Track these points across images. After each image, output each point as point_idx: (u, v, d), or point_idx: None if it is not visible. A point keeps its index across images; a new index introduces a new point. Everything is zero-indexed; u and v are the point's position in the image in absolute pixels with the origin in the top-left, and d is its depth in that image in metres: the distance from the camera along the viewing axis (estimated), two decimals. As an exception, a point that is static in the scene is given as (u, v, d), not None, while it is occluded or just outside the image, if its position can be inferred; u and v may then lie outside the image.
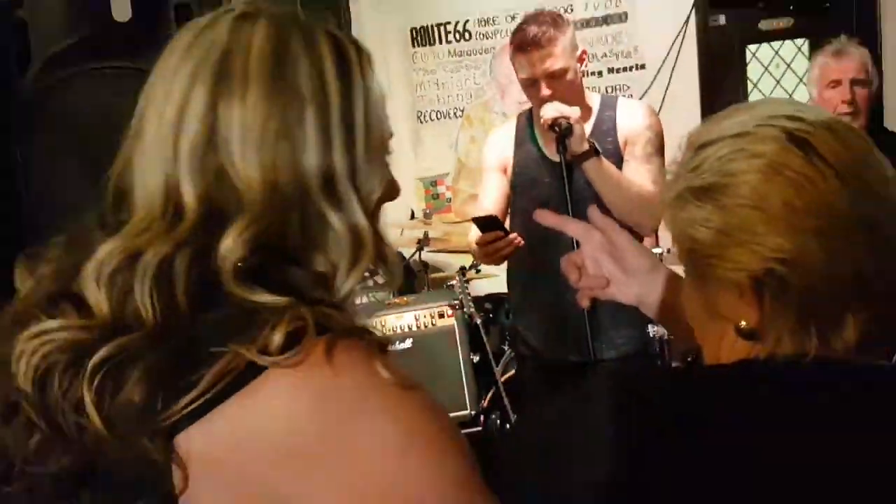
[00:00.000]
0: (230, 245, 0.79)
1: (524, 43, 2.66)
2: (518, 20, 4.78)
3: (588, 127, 2.65)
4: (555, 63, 2.61)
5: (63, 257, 0.89)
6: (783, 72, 5.10)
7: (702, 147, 0.87)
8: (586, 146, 2.57)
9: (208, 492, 0.78)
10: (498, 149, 2.97)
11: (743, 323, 0.83)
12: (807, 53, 5.04)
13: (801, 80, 5.06)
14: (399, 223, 4.63)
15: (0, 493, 0.85)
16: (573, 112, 2.56)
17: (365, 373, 0.78)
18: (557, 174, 2.71)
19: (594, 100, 2.84)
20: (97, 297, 0.79)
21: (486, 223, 2.61)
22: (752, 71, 5.08)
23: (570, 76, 2.65)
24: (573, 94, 2.67)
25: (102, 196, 0.95)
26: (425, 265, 4.58)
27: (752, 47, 5.07)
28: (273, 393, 0.75)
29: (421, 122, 5.00)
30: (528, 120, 2.92)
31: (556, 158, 2.71)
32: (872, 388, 0.82)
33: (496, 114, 4.96)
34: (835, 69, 3.17)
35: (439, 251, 4.45)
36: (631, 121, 2.76)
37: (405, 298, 4.05)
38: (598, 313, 2.66)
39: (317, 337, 0.76)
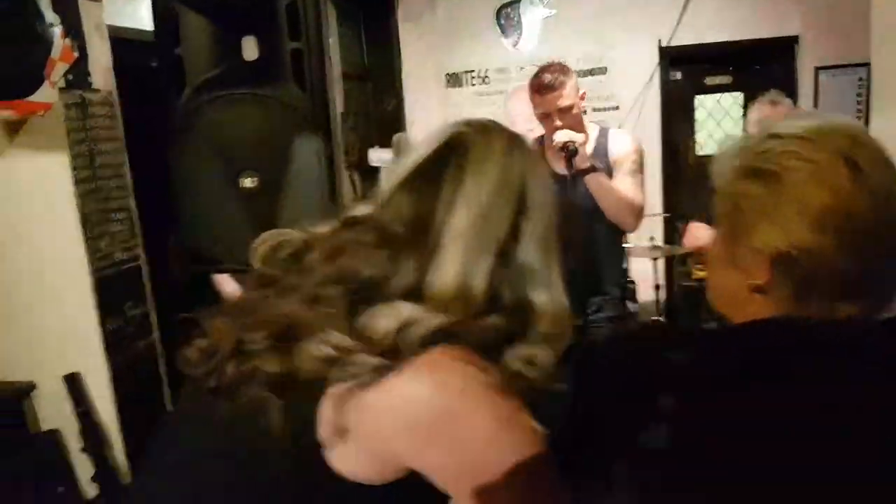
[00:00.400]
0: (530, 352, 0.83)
1: (541, 87, 2.71)
2: (525, 71, 4.88)
3: (588, 149, 2.69)
4: (564, 101, 2.66)
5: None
6: (722, 116, 5.12)
7: (772, 137, 0.83)
8: (588, 163, 2.64)
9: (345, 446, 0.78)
10: None
11: (756, 281, 0.81)
12: (741, 103, 5.07)
13: (735, 122, 5.10)
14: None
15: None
16: (579, 137, 2.63)
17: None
18: (563, 186, 2.78)
19: (592, 129, 2.87)
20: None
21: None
22: (699, 114, 5.11)
23: (574, 110, 2.71)
24: (577, 123, 2.72)
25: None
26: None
27: (699, 97, 5.09)
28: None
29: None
30: (539, 144, 2.97)
31: (563, 173, 2.78)
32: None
33: (506, 140, 4.99)
34: (771, 116, 3.18)
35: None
36: (620, 146, 2.83)
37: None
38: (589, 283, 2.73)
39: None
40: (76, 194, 2.17)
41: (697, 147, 5.14)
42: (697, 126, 5.12)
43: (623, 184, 2.76)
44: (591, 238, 2.83)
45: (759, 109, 3.26)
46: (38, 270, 2.21)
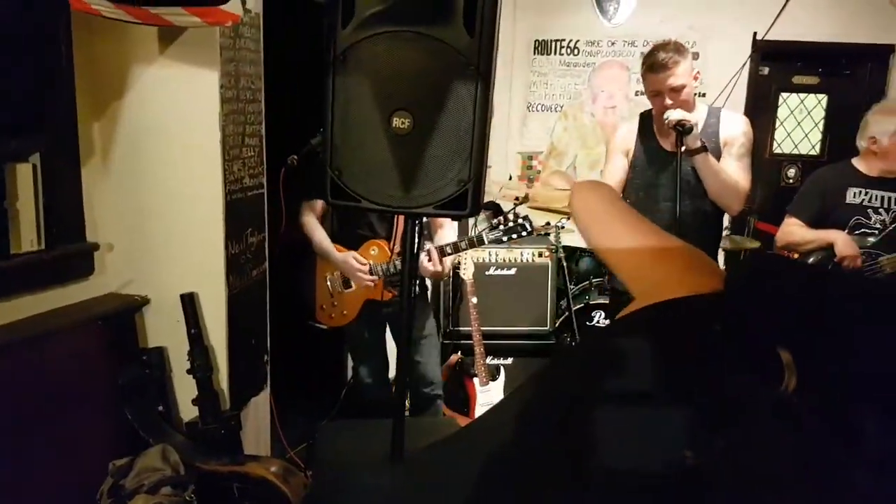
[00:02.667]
0: None
1: (655, 65, 2.64)
2: (616, 47, 4.73)
3: (697, 129, 2.61)
4: (676, 80, 2.60)
5: None
6: (804, 117, 4.96)
7: None
8: (699, 143, 2.58)
9: None
10: (624, 138, 2.97)
11: None
12: (824, 105, 4.90)
13: (815, 125, 4.94)
14: (500, 183, 4.57)
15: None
16: (692, 118, 2.56)
17: None
18: (668, 161, 2.74)
19: (701, 108, 2.79)
20: None
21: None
22: (782, 112, 4.95)
23: (686, 90, 2.63)
24: (687, 103, 2.65)
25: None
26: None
27: (784, 94, 4.93)
28: None
29: (529, 111, 4.88)
30: (647, 120, 2.90)
31: (669, 149, 2.73)
32: None
33: (586, 114, 4.85)
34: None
35: (534, 208, 4.35)
36: (731, 128, 2.77)
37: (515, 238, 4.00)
38: None
39: None
40: (221, 114, 2.06)
41: (775, 145, 4.99)
42: (777, 123, 4.97)
43: (730, 166, 2.70)
44: (692, 217, 2.74)
45: (870, 119, 3.14)
46: (172, 185, 2.11)
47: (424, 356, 3.15)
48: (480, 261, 3.72)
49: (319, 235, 3.02)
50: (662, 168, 2.78)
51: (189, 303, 2.14)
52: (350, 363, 3.71)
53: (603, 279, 4.31)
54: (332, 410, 3.48)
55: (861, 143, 3.14)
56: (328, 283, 3.09)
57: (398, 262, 2.96)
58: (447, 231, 3.07)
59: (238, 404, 2.29)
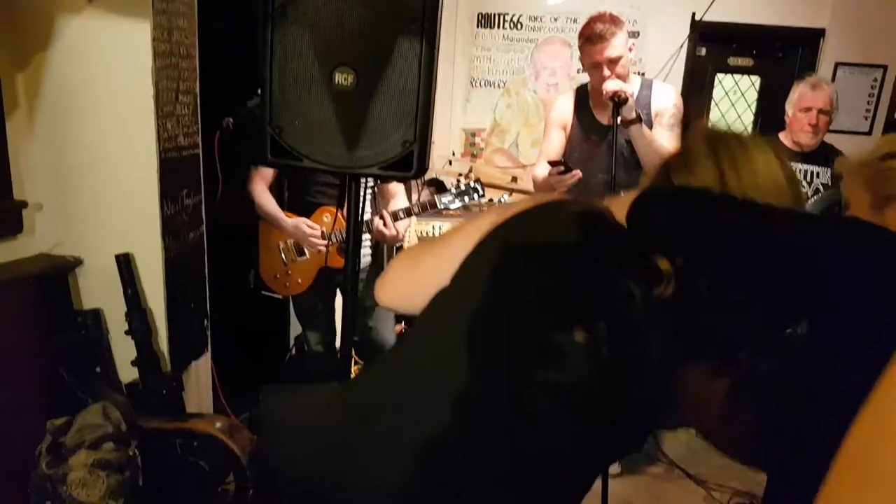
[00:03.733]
0: None
1: (592, 36, 2.70)
2: (558, 23, 4.79)
3: (632, 100, 2.68)
4: (614, 52, 2.67)
5: None
6: (738, 98, 5.13)
7: None
8: (633, 114, 2.65)
9: None
10: (561, 112, 3.02)
11: None
12: (758, 87, 5.08)
13: (748, 106, 5.12)
14: (444, 157, 4.61)
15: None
16: (629, 88, 2.63)
17: None
18: (604, 134, 2.80)
19: (635, 81, 2.86)
20: None
21: (558, 164, 2.65)
22: (717, 93, 5.11)
23: (623, 61, 2.70)
24: (624, 75, 2.72)
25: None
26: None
27: (720, 75, 5.09)
28: None
29: (472, 87, 4.91)
30: (583, 93, 2.96)
31: (605, 122, 2.79)
32: None
33: (529, 90, 4.90)
34: (809, 98, 3.19)
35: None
36: (662, 99, 2.86)
37: (458, 210, 4.05)
38: None
39: None
40: (153, 69, 2.02)
41: (710, 125, 5.13)
42: (712, 104, 5.13)
43: (662, 136, 2.78)
44: (627, 188, 2.83)
45: (800, 91, 3.26)
46: (103, 142, 2.06)
47: (379, 322, 3.17)
48: (423, 234, 3.75)
49: (268, 203, 3.00)
50: (599, 141, 2.86)
51: (125, 264, 2.10)
52: (293, 331, 3.70)
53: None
54: (276, 377, 3.48)
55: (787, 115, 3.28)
56: (281, 252, 3.08)
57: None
58: (400, 198, 3.09)
59: (179, 367, 2.27)
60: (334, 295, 3.24)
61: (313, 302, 3.12)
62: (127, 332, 2.11)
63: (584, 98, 2.96)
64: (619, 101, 2.57)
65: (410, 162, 2.00)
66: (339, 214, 2.96)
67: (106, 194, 2.10)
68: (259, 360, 3.53)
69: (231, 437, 1.89)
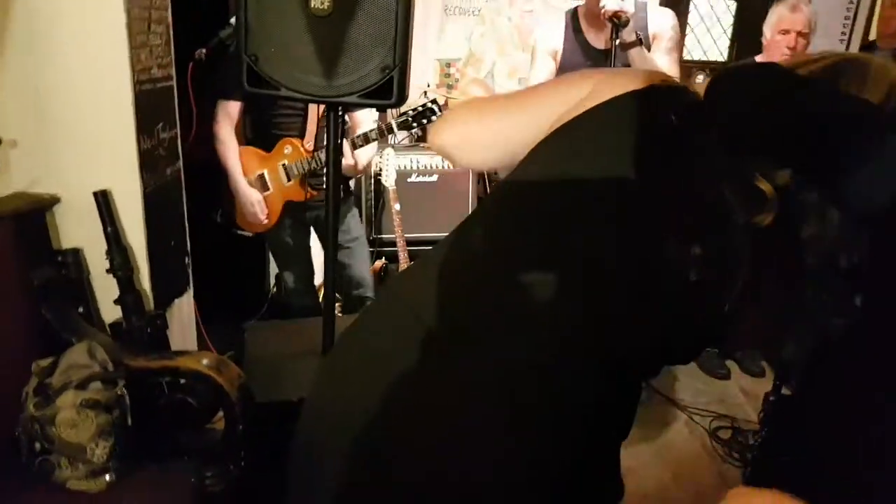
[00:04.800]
0: None
1: None
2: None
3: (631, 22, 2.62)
4: None
5: None
6: (713, 23, 5.08)
7: None
8: (634, 36, 2.56)
9: None
10: (550, 38, 2.92)
11: None
12: (733, 11, 5.03)
13: (724, 31, 5.07)
14: (421, 87, 4.54)
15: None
16: (629, 8, 2.54)
17: None
18: (599, 59, 2.71)
19: (629, 1, 2.77)
20: None
21: None
22: (692, 18, 5.05)
23: None
24: None
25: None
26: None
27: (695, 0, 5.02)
28: None
29: (446, 15, 4.80)
30: (575, 16, 2.87)
31: (602, 46, 2.71)
32: None
33: (503, 17, 4.81)
34: (787, 20, 3.14)
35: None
36: (659, 22, 2.78)
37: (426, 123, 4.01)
38: None
39: None
40: (125, -6, 1.94)
41: (685, 51, 5.10)
42: (688, 29, 5.07)
43: (661, 61, 2.72)
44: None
45: (778, 13, 3.22)
46: (76, 75, 1.98)
47: (354, 258, 3.17)
48: (402, 168, 3.71)
49: (230, 154, 2.94)
50: (593, 66, 2.77)
51: (103, 200, 2.06)
52: (272, 269, 3.69)
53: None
54: (258, 315, 3.48)
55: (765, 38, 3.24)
56: (247, 187, 3.03)
57: (311, 160, 2.92)
58: (365, 128, 3.04)
59: (162, 305, 2.25)
60: (306, 231, 3.23)
61: (284, 238, 3.11)
62: (108, 271, 2.08)
63: (575, 22, 2.87)
64: (619, 22, 2.49)
65: (390, 89, 1.97)
66: (300, 145, 2.91)
67: (81, 130, 2.03)
68: (241, 299, 3.53)
69: (219, 373, 1.89)
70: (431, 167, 3.84)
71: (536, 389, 0.87)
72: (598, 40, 2.77)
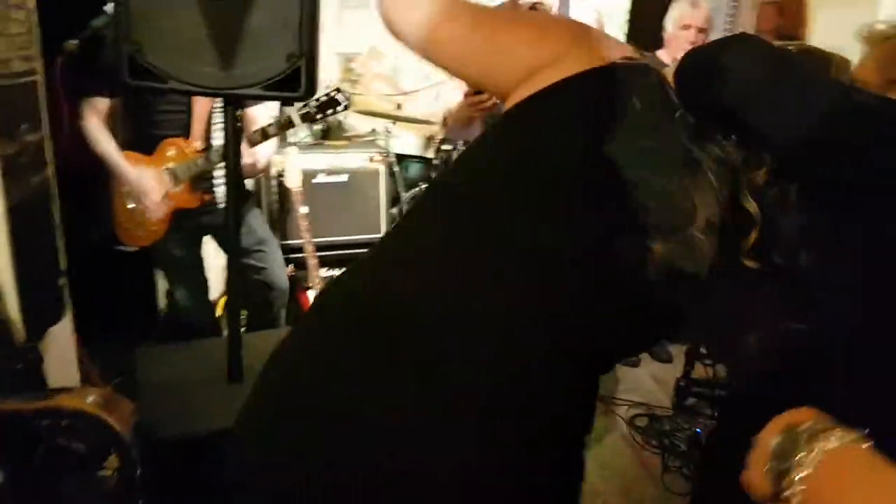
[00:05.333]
0: None
1: None
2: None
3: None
4: None
5: None
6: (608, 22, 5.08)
7: None
8: None
9: None
10: None
11: None
12: (629, 7, 5.05)
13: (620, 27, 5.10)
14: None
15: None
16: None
17: None
18: None
19: None
20: None
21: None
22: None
23: None
24: None
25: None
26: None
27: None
28: None
29: (343, 7, 4.58)
30: None
31: None
32: None
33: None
34: (689, 16, 3.20)
35: (360, 112, 4.11)
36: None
37: (341, 142, 3.79)
38: None
39: None
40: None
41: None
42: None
43: None
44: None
45: (680, 8, 3.24)
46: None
47: (266, 261, 2.91)
48: (308, 168, 3.46)
49: (105, 145, 2.62)
50: None
51: (-46, 217, 1.74)
52: (162, 285, 3.37)
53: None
54: (149, 338, 3.15)
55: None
56: (125, 196, 2.72)
57: (200, 161, 2.65)
58: (258, 119, 2.78)
59: (34, 335, 1.93)
60: (198, 240, 2.94)
61: (172, 251, 2.81)
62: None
63: None
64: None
65: (298, 79, 1.75)
66: (186, 146, 2.64)
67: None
68: (127, 321, 3.18)
69: (108, 410, 1.62)
70: (340, 166, 3.61)
71: (492, 388, 0.88)
72: None
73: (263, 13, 1.69)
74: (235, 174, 1.94)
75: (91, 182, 2.66)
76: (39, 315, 1.97)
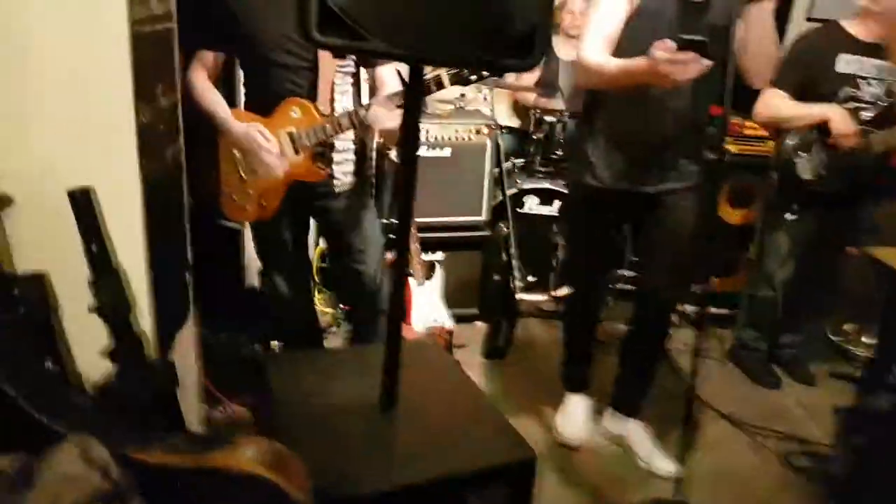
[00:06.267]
0: None
1: None
2: None
3: None
4: None
5: None
6: None
7: None
8: None
9: None
10: None
11: None
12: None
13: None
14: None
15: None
16: None
17: None
18: (687, 12, 2.13)
19: None
20: None
21: (692, 45, 1.83)
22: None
23: None
24: None
25: None
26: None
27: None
28: None
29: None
30: None
31: None
32: None
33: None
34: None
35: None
36: None
37: (446, 111, 3.36)
38: (672, 146, 2.25)
39: None
40: None
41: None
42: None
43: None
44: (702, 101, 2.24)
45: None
46: (37, 10, 1.25)
47: (369, 265, 2.52)
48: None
49: (211, 99, 2.23)
50: (677, 19, 2.16)
51: (84, 203, 1.34)
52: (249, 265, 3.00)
53: (529, 159, 3.82)
54: (255, 336, 2.77)
55: (861, 1, 2.79)
56: (236, 163, 2.32)
57: (328, 126, 2.25)
58: (392, 86, 2.35)
59: (165, 347, 1.57)
60: (306, 220, 2.55)
61: (281, 232, 2.42)
62: (93, 310, 1.38)
63: None
64: None
65: (531, 41, 1.34)
66: (313, 108, 2.23)
67: (45, 94, 1.30)
68: (214, 307, 2.80)
69: (283, 475, 1.25)
70: (444, 139, 3.21)
71: None
72: None
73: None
74: (413, 150, 1.55)
75: (193, 143, 2.26)
76: (170, 322, 1.60)
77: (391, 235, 2.94)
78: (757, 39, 2.10)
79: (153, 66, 1.44)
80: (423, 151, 3.18)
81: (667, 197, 2.32)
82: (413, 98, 1.48)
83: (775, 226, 3.11)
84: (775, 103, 2.84)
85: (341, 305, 3.34)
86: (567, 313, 2.88)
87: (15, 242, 1.37)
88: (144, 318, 1.48)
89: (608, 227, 2.53)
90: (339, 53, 2.14)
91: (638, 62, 1.97)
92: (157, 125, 1.46)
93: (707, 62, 1.87)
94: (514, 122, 4.17)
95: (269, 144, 2.19)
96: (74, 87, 1.30)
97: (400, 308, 1.69)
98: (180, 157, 1.62)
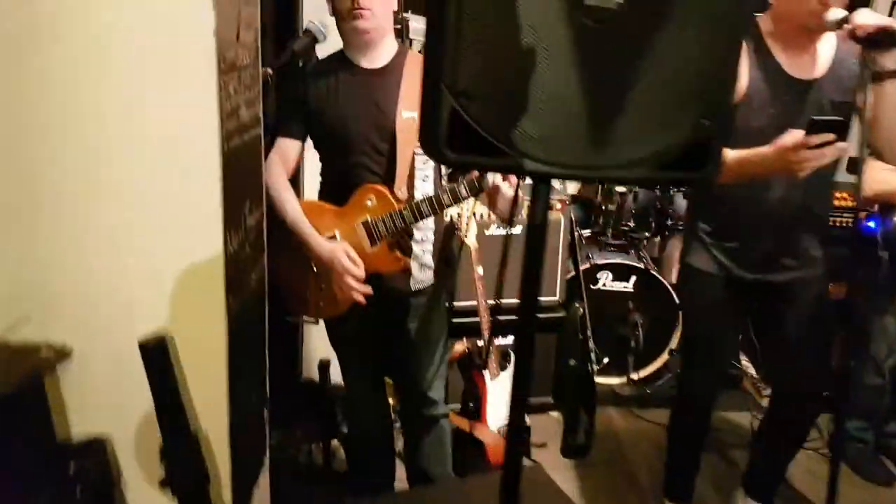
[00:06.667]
0: None
1: None
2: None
3: None
4: None
5: None
6: None
7: None
8: None
9: None
10: None
11: None
12: None
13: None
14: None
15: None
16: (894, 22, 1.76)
17: None
18: (795, 91, 1.93)
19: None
20: None
21: (828, 126, 1.65)
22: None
23: None
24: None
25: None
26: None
27: None
28: None
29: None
30: (755, 34, 2.03)
31: (798, 75, 1.91)
32: None
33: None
34: None
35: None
36: None
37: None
38: (794, 234, 2.07)
39: None
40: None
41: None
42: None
43: None
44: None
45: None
46: (106, 123, 1.03)
47: (428, 368, 2.24)
48: (480, 218, 2.81)
49: (293, 209, 1.99)
50: (790, 101, 1.95)
51: (158, 355, 1.09)
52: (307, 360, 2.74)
53: (598, 229, 3.56)
54: (312, 434, 2.50)
55: None
56: (311, 261, 2.07)
57: (407, 213, 2.01)
58: None
59: (240, 499, 1.30)
60: (382, 317, 2.25)
61: (356, 328, 2.15)
62: (164, 483, 1.12)
63: (759, 41, 2.00)
64: (889, 39, 1.69)
65: (703, 153, 1.07)
66: (389, 194, 1.99)
67: (114, 223, 1.07)
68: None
69: None
70: (516, 217, 2.96)
71: None
72: (792, 67, 1.93)
73: (662, 66, 1.02)
74: (537, 261, 1.28)
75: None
76: (247, 480, 1.34)
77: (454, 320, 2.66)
78: (892, 117, 1.86)
79: (241, 183, 1.21)
80: (492, 229, 2.93)
81: (796, 287, 2.11)
82: (541, 210, 1.22)
83: (885, 308, 2.83)
84: (884, 177, 2.57)
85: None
86: (677, 419, 2.57)
87: (72, 401, 1.12)
88: (225, 489, 1.21)
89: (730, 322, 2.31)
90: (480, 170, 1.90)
91: (761, 152, 1.77)
92: (244, 249, 1.23)
93: (843, 144, 1.64)
94: (579, 190, 3.92)
95: (357, 270, 1.96)
96: (143, 213, 1.07)
97: (519, 439, 1.41)
98: (264, 281, 1.38)
